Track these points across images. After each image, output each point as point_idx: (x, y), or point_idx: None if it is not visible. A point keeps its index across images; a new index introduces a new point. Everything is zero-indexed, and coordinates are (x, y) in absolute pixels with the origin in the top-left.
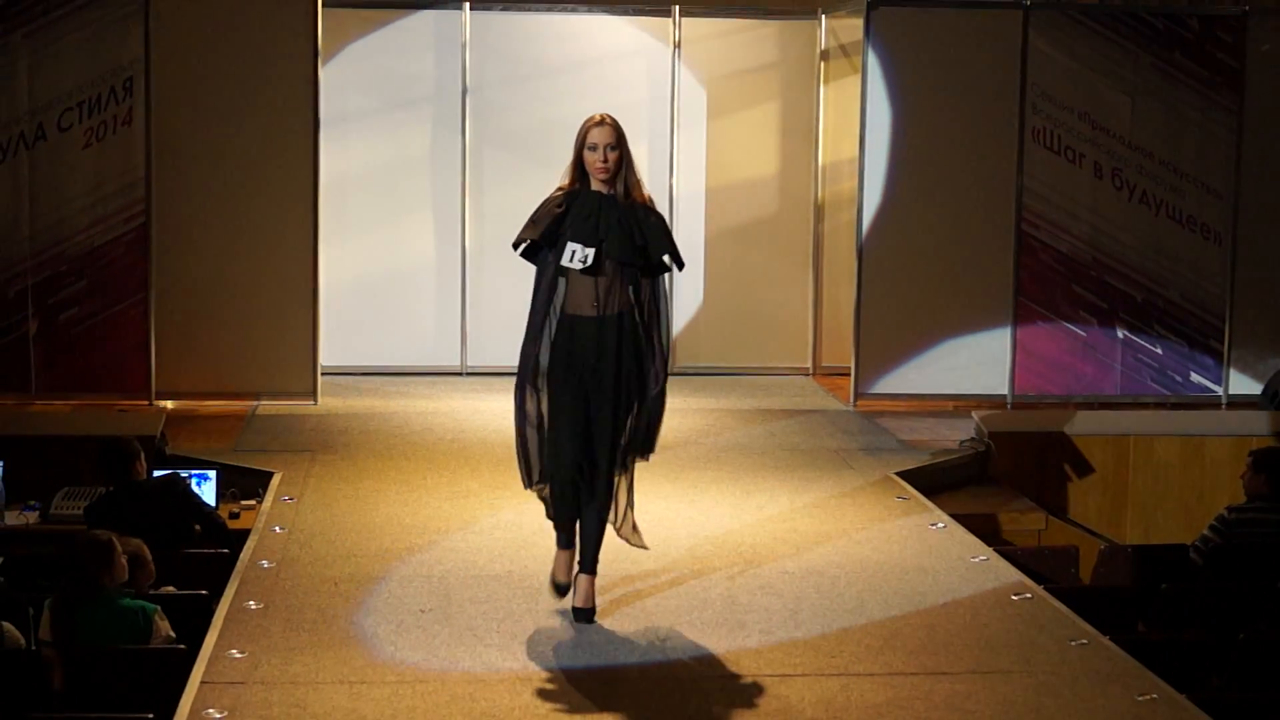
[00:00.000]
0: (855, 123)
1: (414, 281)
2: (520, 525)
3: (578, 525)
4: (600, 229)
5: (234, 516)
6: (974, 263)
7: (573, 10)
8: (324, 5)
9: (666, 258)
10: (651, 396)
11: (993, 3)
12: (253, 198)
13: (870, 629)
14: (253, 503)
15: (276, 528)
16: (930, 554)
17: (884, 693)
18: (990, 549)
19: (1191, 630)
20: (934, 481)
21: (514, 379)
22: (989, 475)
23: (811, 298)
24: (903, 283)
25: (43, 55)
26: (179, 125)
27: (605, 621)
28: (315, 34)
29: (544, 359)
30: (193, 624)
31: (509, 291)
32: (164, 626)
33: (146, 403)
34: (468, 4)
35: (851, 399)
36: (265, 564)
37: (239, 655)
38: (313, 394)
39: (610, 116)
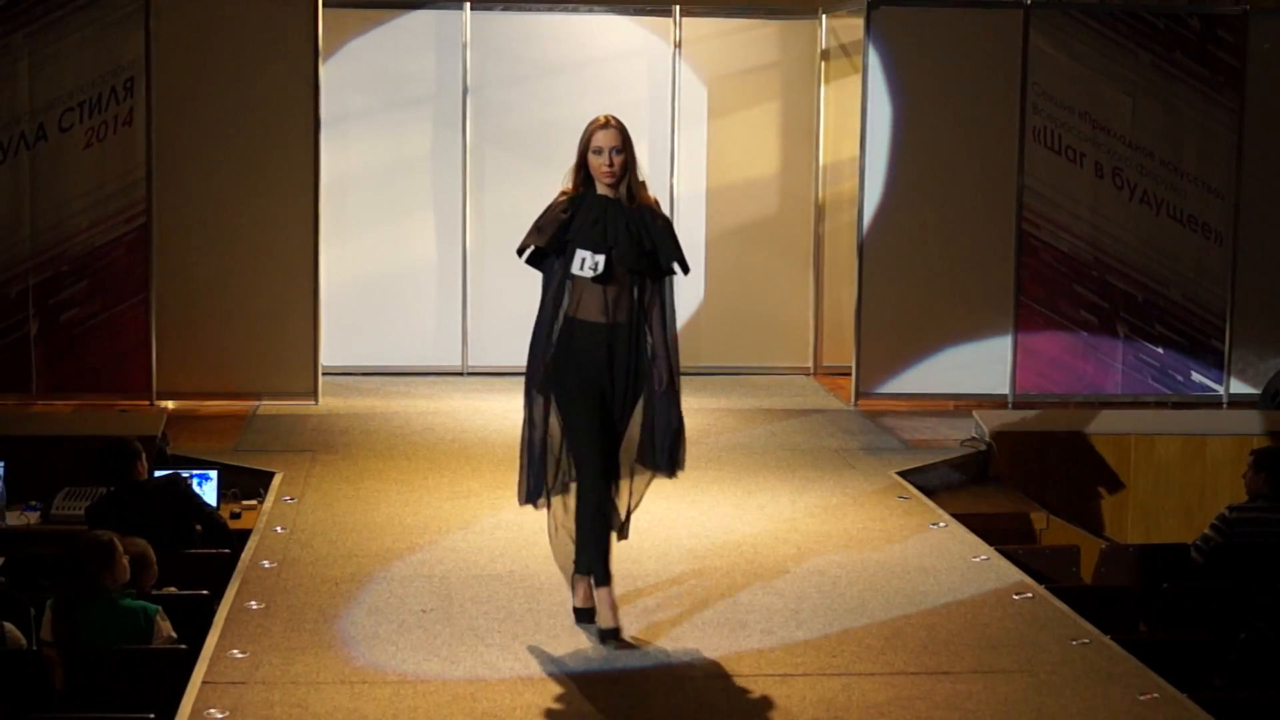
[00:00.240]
0: (856, 122)
1: (415, 281)
2: (521, 525)
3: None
4: (608, 235)
5: (235, 516)
6: (975, 262)
7: (573, 10)
8: (325, 5)
9: (675, 264)
10: (664, 402)
11: (993, 2)
12: (253, 197)
13: (871, 628)
14: (254, 503)
15: (278, 528)
16: (931, 553)
17: (885, 692)
18: (991, 548)
19: (1193, 630)
20: (935, 481)
21: (514, 378)
22: (990, 475)
23: (812, 297)
24: (903, 283)
25: (44, 55)
26: (180, 125)
27: None
28: (316, 34)
29: (553, 366)
30: (194, 624)
31: (510, 291)
32: (165, 627)
33: (147, 403)
34: (468, 4)
35: (852, 398)
36: (266, 564)
37: (240, 655)
38: (314, 394)
39: (615, 118)
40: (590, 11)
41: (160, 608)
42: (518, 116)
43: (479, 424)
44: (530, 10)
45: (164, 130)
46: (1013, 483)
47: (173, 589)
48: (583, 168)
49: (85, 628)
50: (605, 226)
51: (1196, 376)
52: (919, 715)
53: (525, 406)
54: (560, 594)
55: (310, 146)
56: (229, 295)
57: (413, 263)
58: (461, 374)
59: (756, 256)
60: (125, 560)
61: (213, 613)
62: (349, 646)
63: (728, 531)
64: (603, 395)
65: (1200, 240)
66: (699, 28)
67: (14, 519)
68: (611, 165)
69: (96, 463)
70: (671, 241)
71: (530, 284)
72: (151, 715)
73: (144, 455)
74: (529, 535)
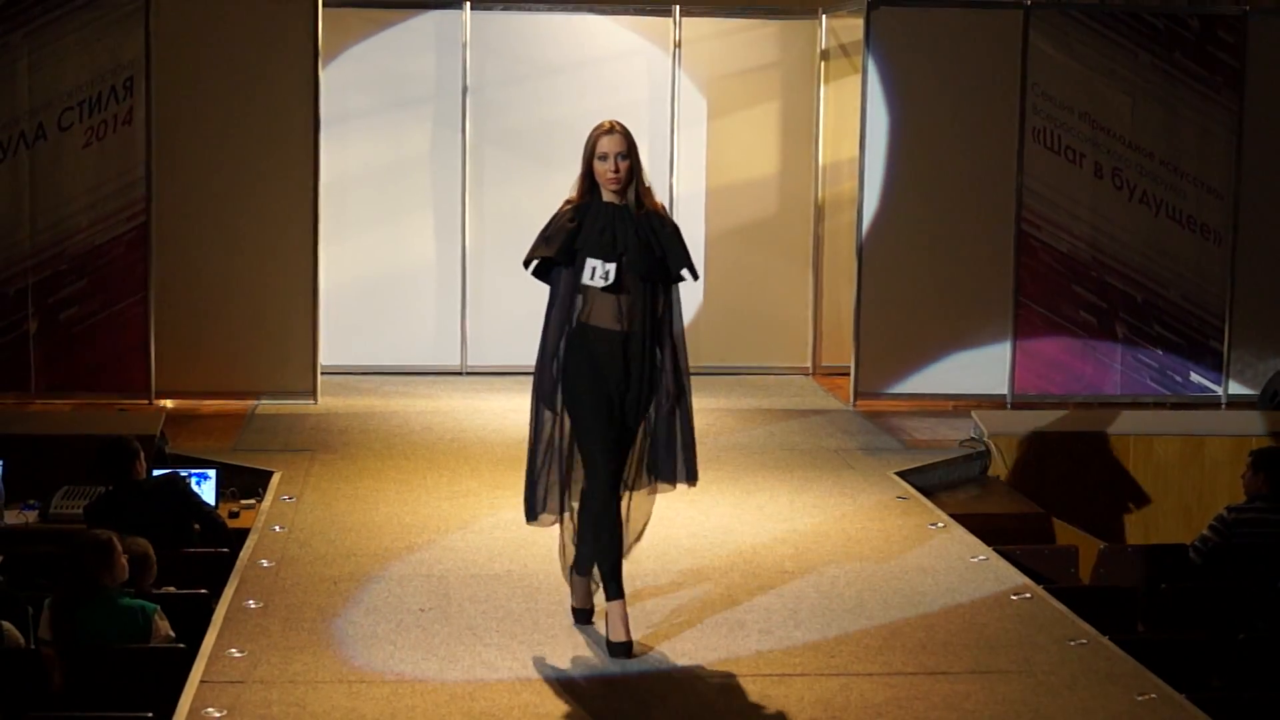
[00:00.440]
0: (855, 122)
1: (414, 281)
2: (519, 524)
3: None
4: (618, 243)
5: (233, 516)
6: (974, 263)
7: (573, 10)
8: (325, 5)
9: (685, 271)
10: (677, 413)
11: (993, 2)
12: (253, 197)
13: (869, 628)
14: (252, 502)
15: (276, 527)
16: (930, 554)
17: (883, 692)
18: (989, 549)
19: (1191, 630)
20: (933, 481)
21: (513, 378)
22: (988, 475)
23: (812, 297)
24: (903, 283)
25: (43, 54)
26: (179, 124)
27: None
28: (316, 33)
29: (564, 377)
30: (192, 623)
31: (509, 291)
32: (164, 626)
33: (146, 402)
34: (468, 4)
35: (851, 399)
36: (265, 563)
37: (238, 654)
38: (312, 393)
39: (620, 124)
40: (590, 12)
41: (159, 607)
42: (517, 116)
43: (478, 424)
44: (530, 10)
45: (164, 129)
46: (1011, 483)
47: (171, 588)
48: (588, 175)
49: (84, 627)
50: (614, 234)
51: (1195, 377)
52: (917, 715)
53: (533, 420)
54: (558, 594)
55: (310, 146)
56: (228, 294)
57: (412, 262)
58: (460, 374)
59: (756, 256)
60: (124, 560)
61: (211, 612)
62: (347, 645)
63: (726, 531)
64: (614, 404)
65: (1199, 241)
66: (699, 28)
67: (12, 518)
68: (617, 171)
69: (95, 462)
70: (680, 247)
71: (530, 284)
72: (150, 714)
73: (143, 454)
74: (527, 535)
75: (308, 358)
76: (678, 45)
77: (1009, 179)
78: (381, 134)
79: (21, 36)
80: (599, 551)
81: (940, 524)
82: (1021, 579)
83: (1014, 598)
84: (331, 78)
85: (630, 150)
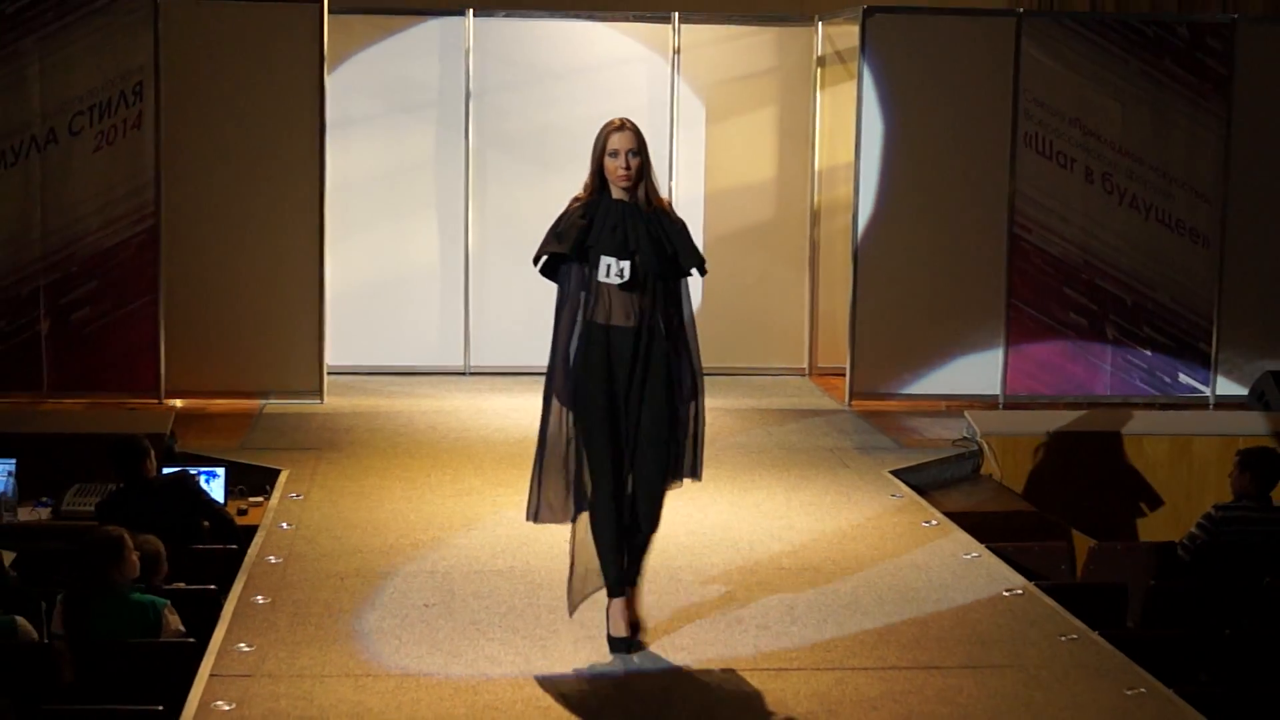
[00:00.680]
0: (851, 128)
1: (418, 283)
2: (522, 522)
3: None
4: (630, 240)
5: (241, 513)
6: (967, 265)
7: (574, 17)
8: (331, 12)
9: (695, 267)
10: (691, 408)
11: (987, 10)
12: (260, 200)
13: (865, 624)
14: (260, 499)
15: (283, 524)
16: (923, 551)
17: (878, 686)
18: (982, 546)
19: (1179, 626)
20: (927, 480)
21: (515, 378)
22: (981, 474)
23: (808, 300)
24: (897, 285)
25: (54, 60)
26: (188, 129)
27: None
28: (322, 40)
29: (578, 374)
30: (202, 618)
31: (511, 292)
32: (174, 620)
33: (156, 401)
34: (471, 11)
35: (847, 399)
36: (272, 559)
37: (247, 649)
38: (319, 393)
39: (630, 121)
40: (590, 18)
41: (169, 602)
42: (519, 121)
43: (481, 423)
44: (532, 17)
45: (172, 134)
46: (1003, 481)
47: (181, 584)
48: (599, 173)
49: (95, 621)
50: (625, 232)
51: (1184, 378)
52: (911, 709)
53: (543, 418)
54: (560, 589)
55: (316, 150)
56: (236, 296)
57: (416, 264)
58: (464, 373)
59: (753, 260)
60: (135, 556)
61: (220, 607)
62: (353, 640)
63: (724, 529)
64: (627, 401)
65: (1188, 244)
66: (697, 34)
67: (26, 515)
68: (628, 168)
69: (106, 459)
70: (691, 244)
71: (531, 285)
72: (160, 707)
73: (153, 453)
74: (529, 532)
75: (314, 358)
76: (677, 51)
77: (1001, 183)
78: (386, 138)
79: (33, 43)
80: (605, 555)
81: (934, 522)
82: (1013, 576)
83: (1006, 594)
84: (337, 83)
85: (641, 147)
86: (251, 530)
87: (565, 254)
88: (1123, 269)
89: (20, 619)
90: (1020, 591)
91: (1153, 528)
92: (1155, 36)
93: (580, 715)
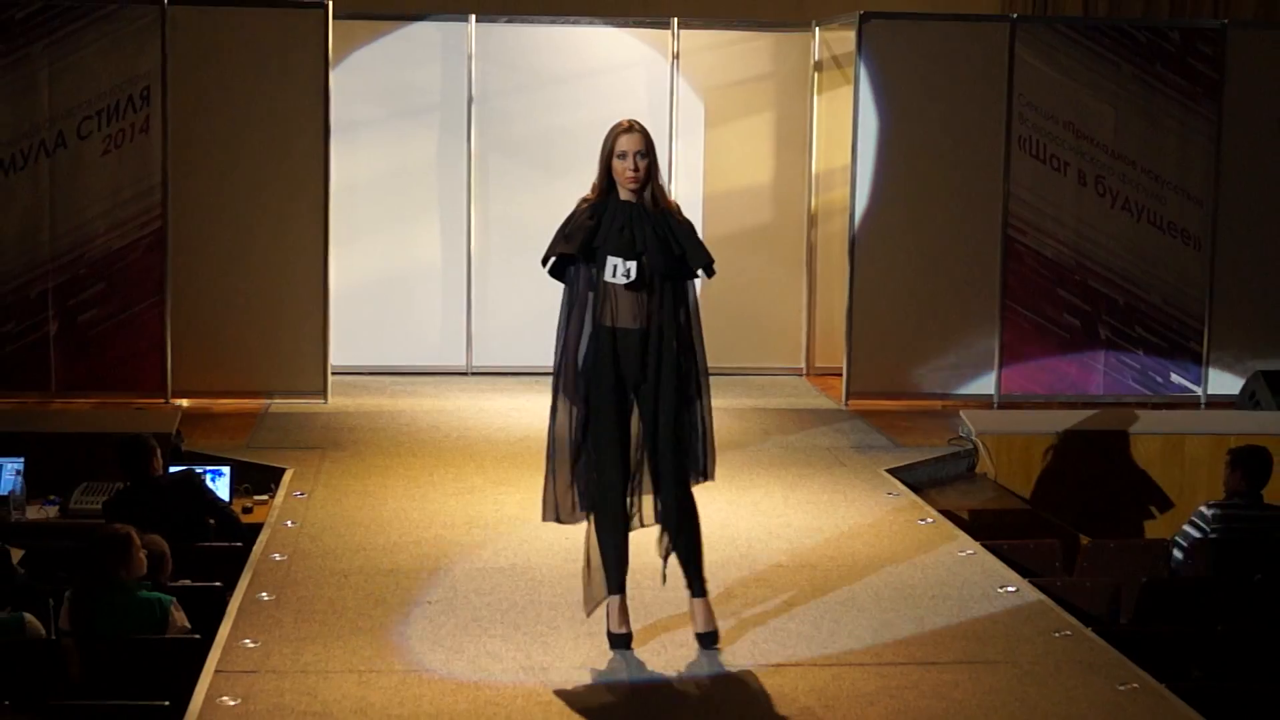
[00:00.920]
0: (848, 131)
1: (421, 284)
2: (523, 520)
3: (664, 556)
4: (637, 241)
5: (247, 511)
6: (962, 267)
7: (575, 22)
8: (335, 17)
9: (703, 268)
10: (698, 407)
11: (981, 16)
12: (266, 202)
13: (861, 621)
14: (265, 498)
15: (288, 522)
16: (919, 549)
17: (874, 682)
18: (977, 544)
19: (1171, 622)
20: (923, 478)
21: (517, 378)
22: (976, 472)
23: (805, 301)
24: (893, 286)
25: (63, 65)
26: (194, 132)
27: None
28: (326, 45)
29: (585, 374)
30: (207, 615)
31: (513, 294)
32: (180, 617)
33: (163, 401)
34: (474, 16)
35: (843, 398)
36: (277, 557)
37: (252, 645)
38: (323, 393)
39: (638, 123)
40: (591, 24)
41: (175, 599)
42: (521, 125)
43: (483, 422)
44: (533, 23)
45: (179, 137)
46: (997, 480)
47: (186, 581)
48: (607, 175)
49: (102, 618)
50: (633, 232)
51: (1175, 378)
52: (907, 704)
53: (552, 417)
54: (560, 586)
55: (320, 153)
56: (242, 297)
57: (419, 266)
58: (466, 374)
59: (751, 261)
60: (142, 554)
61: (225, 604)
62: (356, 636)
63: (722, 526)
64: (634, 402)
65: (1180, 246)
66: (696, 40)
67: (34, 513)
68: (636, 170)
69: (113, 458)
70: (699, 245)
71: (533, 286)
72: (166, 703)
73: (159, 451)
74: (531, 530)
75: (319, 358)
76: (676, 56)
77: (996, 186)
78: (390, 142)
79: (42, 48)
80: (609, 555)
81: (929, 519)
82: (1008, 572)
83: (1000, 590)
84: (342, 87)
85: (649, 149)
86: (256, 528)
87: (573, 254)
88: (1115, 270)
89: (28, 616)
90: (1015, 588)
91: (1145, 525)
92: (1147, 41)
93: (581, 711)
